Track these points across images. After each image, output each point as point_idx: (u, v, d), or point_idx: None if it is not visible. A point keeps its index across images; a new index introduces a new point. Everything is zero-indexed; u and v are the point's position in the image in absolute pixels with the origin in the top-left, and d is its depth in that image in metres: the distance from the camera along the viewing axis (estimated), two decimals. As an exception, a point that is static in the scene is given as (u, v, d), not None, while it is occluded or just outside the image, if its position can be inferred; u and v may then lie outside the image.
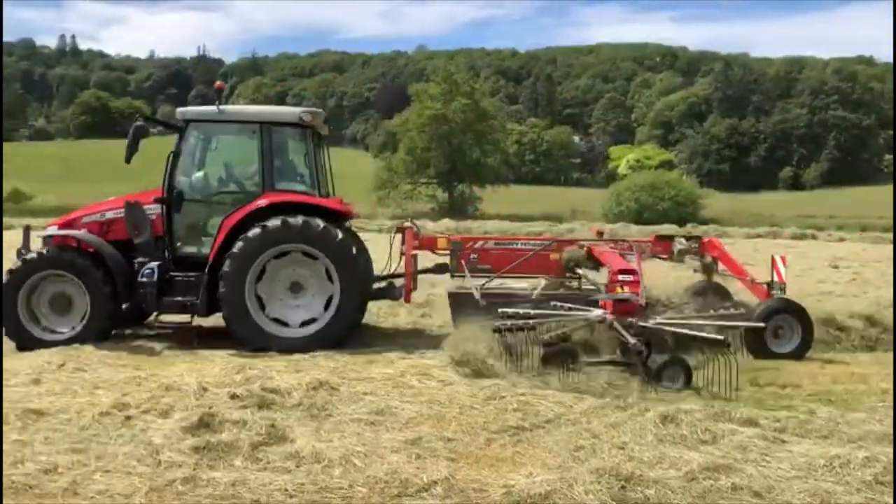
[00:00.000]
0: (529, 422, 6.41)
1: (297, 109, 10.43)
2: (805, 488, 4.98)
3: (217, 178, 10.34)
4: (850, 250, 28.74)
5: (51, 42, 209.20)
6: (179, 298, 9.54)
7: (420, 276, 10.90)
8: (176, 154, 9.88)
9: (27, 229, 9.93)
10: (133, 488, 4.90)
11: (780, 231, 39.43)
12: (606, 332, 8.58)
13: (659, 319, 8.52)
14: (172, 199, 9.79)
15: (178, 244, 9.91)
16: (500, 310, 8.67)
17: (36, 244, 9.83)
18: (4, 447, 5.51)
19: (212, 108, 10.08)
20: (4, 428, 5.95)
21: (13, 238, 10.03)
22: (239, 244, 9.28)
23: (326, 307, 9.55)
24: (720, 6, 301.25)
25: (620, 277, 8.66)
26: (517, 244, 10.96)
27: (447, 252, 10.67)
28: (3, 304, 9.27)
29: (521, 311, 8.69)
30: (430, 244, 10.83)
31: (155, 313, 10.23)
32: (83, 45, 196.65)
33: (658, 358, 7.85)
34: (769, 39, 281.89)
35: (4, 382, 7.34)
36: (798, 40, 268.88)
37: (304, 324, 9.55)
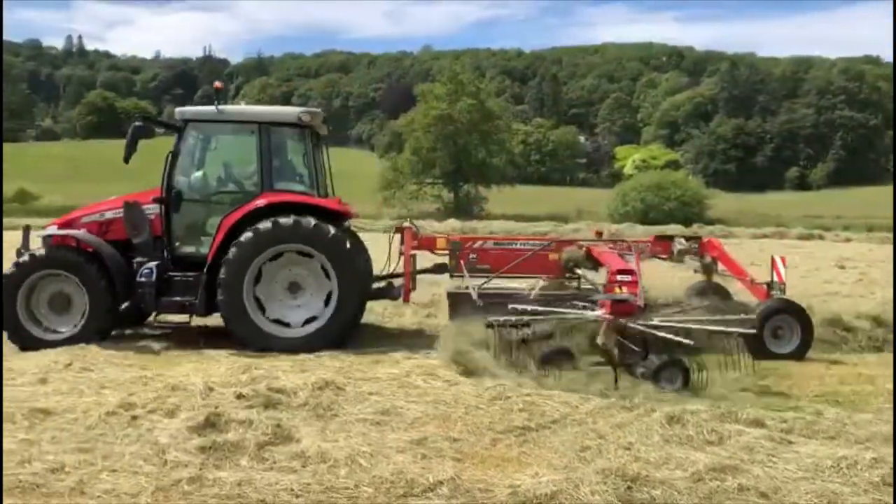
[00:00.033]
0: (535, 422, 6.40)
1: (296, 109, 10.43)
2: (812, 489, 4.97)
3: (216, 178, 10.34)
4: (856, 250, 28.66)
5: (58, 43, 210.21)
6: (178, 298, 9.56)
7: (422, 277, 10.90)
8: (175, 154, 9.89)
9: (27, 229, 9.96)
10: (139, 488, 4.91)
11: (786, 231, 39.33)
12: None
13: (639, 322, 8.42)
14: (171, 199, 9.80)
15: (177, 244, 9.93)
16: (510, 306, 8.64)
17: (36, 244, 9.86)
18: (12, 446, 5.53)
19: (210, 108, 10.10)
20: (12, 427, 5.97)
21: (16, 238, 10.05)
22: (233, 250, 9.29)
23: (326, 304, 9.54)
24: (726, 6, 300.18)
25: (619, 278, 8.65)
26: (516, 244, 10.94)
27: (446, 252, 10.68)
28: (3, 303, 9.29)
29: (522, 308, 8.67)
30: (429, 244, 10.82)
31: (154, 313, 10.24)
32: (90, 46, 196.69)
33: (655, 359, 7.82)
34: (775, 39, 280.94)
35: (12, 382, 7.39)
36: (804, 40, 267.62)
37: (306, 323, 9.56)
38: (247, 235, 9.29)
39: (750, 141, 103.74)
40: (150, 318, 10.62)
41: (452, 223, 39.50)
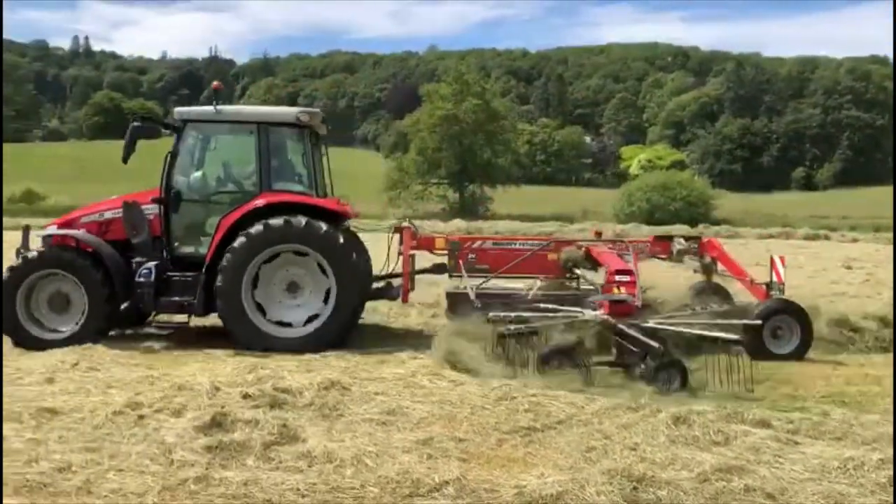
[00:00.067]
0: (541, 422, 6.40)
1: (295, 109, 10.42)
2: (819, 490, 4.95)
3: (215, 178, 10.34)
4: (863, 251, 28.59)
5: (64, 43, 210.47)
6: (176, 298, 9.57)
7: (421, 277, 10.90)
8: (174, 154, 9.89)
9: (26, 229, 9.97)
10: (146, 487, 4.92)
11: (792, 231, 39.27)
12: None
13: (623, 323, 8.39)
14: (170, 199, 9.82)
15: (176, 244, 9.94)
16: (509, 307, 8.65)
17: (36, 244, 9.88)
18: (19, 445, 5.56)
19: (209, 109, 10.11)
20: (19, 426, 6.00)
21: (18, 238, 10.08)
22: (228, 256, 9.29)
23: (326, 301, 9.52)
24: (731, 6, 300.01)
25: (617, 278, 8.63)
26: (515, 244, 10.94)
27: (445, 252, 10.67)
28: (3, 303, 9.30)
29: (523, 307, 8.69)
30: (428, 244, 10.83)
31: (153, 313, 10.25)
32: (96, 47, 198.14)
33: (652, 360, 7.81)
34: (781, 39, 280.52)
35: (19, 381, 7.44)
36: (810, 40, 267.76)
37: (307, 322, 9.55)
38: (240, 241, 9.28)
39: (756, 141, 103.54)
40: (150, 318, 10.61)
41: (458, 223, 39.53)
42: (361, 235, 11.09)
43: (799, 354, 9.44)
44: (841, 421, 6.39)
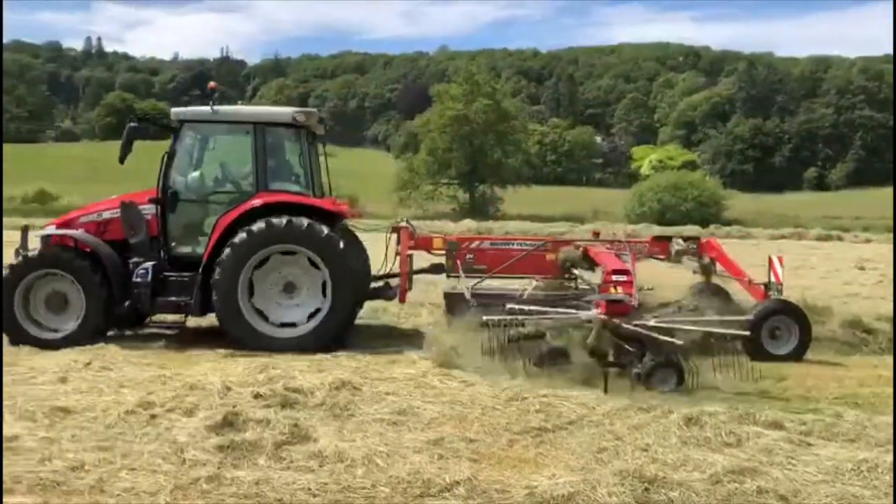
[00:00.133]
0: (552, 423, 6.40)
1: (291, 109, 10.42)
2: (832, 492, 4.93)
3: (212, 178, 10.36)
4: (876, 252, 28.35)
5: (77, 44, 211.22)
6: (173, 298, 9.59)
7: (423, 277, 10.91)
8: (171, 154, 9.91)
9: (25, 229, 9.99)
10: (158, 486, 4.94)
11: (805, 232, 39.07)
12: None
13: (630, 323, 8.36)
14: (167, 199, 9.83)
15: (173, 244, 9.96)
16: (507, 306, 8.62)
17: (34, 244, 9.91)
18: (33, 444, 5.60)
19: (206, 109, 10.13)
20: (32, 426, 6.03)
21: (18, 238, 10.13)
22: (227, 251, 9.27)
23: (324, 294, 9.50)
24: (742, 6, 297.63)
25: (614, 278, 8.62)
26: (513, 244, 10.94)
27: (443, 252, 10.66)
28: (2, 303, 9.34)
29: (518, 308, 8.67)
30: (425, 244, 10.83)
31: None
32: (109, 48, 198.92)
33: (649, 360, 7.79)
34: (793, 39, 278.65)
35: (32, 381, 7.48)
36: (823, 39, 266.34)
37: (310, 318, 9.52)
38: (226, 252, 9.27)
39: (768, 141, 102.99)
40: (148, 319, 10.60)
41: (468, 223, 39.54)
42: (361, 235, 11.11)
43: (797, 355, 9.39)
44: (854, 422, 6.36)
